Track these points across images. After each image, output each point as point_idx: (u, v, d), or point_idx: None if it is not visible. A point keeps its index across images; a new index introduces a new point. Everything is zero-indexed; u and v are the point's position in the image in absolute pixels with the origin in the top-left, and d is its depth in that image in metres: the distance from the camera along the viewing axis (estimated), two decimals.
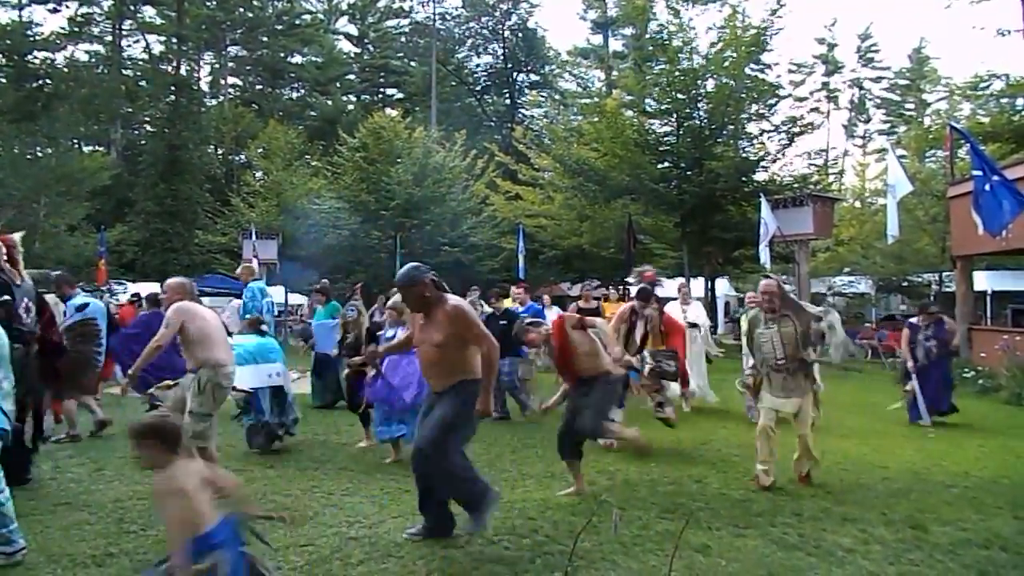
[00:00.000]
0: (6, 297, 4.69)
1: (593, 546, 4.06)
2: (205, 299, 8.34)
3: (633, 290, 7.72)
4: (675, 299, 9.61)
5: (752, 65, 18.41)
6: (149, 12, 38.54)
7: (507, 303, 12.21)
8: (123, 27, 38.65)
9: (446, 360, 4.07)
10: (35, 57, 27.59)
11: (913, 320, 9.20)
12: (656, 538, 4.24)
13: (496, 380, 7.47)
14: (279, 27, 43.60)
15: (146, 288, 22.19)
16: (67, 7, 32.10)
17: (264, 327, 7.32)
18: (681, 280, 15.17)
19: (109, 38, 38.04)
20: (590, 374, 5.13)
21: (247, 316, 8.44)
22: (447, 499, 4.18)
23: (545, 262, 24.25)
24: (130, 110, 37.13)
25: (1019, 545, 4.28)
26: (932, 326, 8.76)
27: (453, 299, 4.09)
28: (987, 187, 7.44)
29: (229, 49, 43.61)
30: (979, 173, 7.61)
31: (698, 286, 20.34)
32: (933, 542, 4.31)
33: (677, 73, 17.63)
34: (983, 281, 19.36)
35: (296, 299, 23.90)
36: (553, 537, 4.23)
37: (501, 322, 8.03)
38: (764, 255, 13.99)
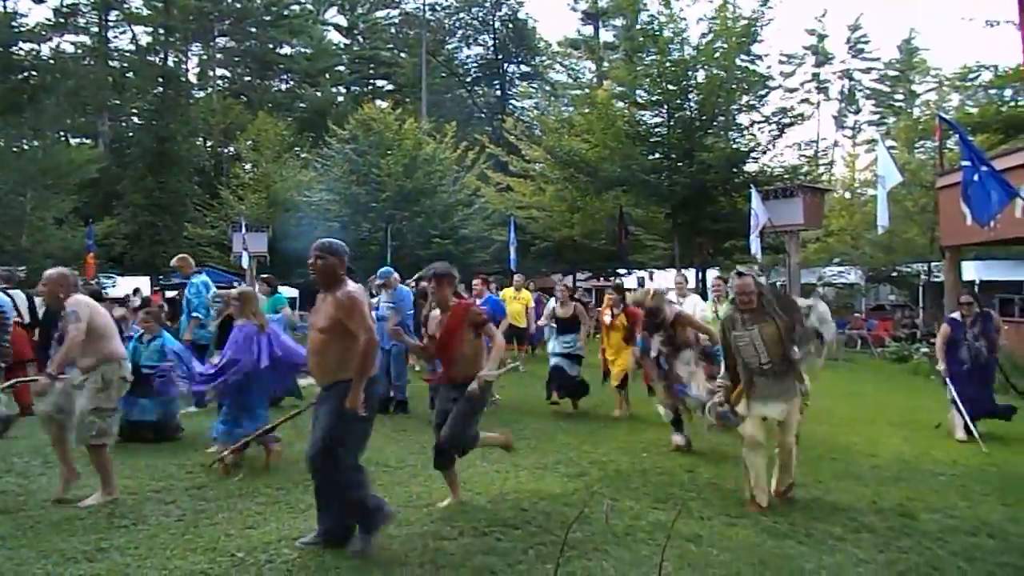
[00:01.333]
0: None
1: (585, 536, 4.07)
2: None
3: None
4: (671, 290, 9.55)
5: (743, 56, 18.39)
6: (136, 3, 38.14)
7: (507, 293, 12.28)
8: (109, 18, 38.27)
9: (330, 351, 3.84)
10: (20, 49, 27.24)
11: (954, 315, 7.57)
12: (648, 528, 4.26)
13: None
14: (268, 18, 43.23)
15: (134, 282, 22.15)
16: None
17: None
18: (675, 271, 15.19)
19: (95, 29, 37.66)
20: (462, 380, 4.51)
21: (194, 315, 8.11)
22: (340, 506, 3.98)
23: (536, 254, 24.26)
24: (117, 102, 36.81)
25: (1006, 532, 4.33)
26: (979, 322, 7.27)
27: (351, 287, 3.89)
28: (976, 178, 7.48)
29: (217, 40, 43.22)
30: (968, 164, 7.65)
31: (689, 277, 20.38)
32: (922, 529, 4.35)
33: (668, 64, 17.61)
34: (971, 271, 19.50)
35: (287, 291, 23.79)
36: (545, 528, 4.25)
37: None
38: (755, 246, 14.05)
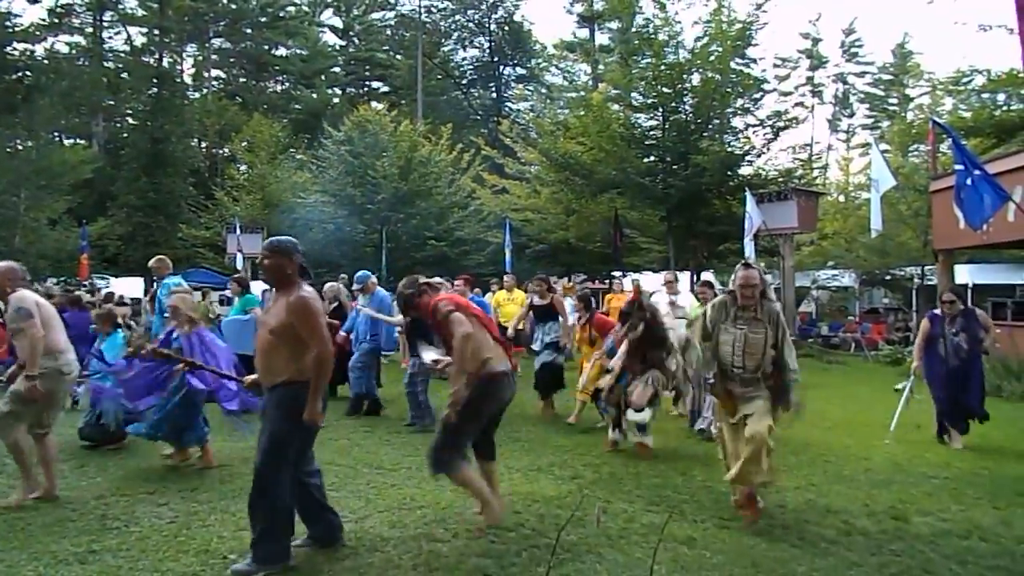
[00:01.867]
0: None
1: (579, 539, 4.08)
2: (196, 295, 8.25)
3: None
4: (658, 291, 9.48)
5: (737, 59, 18.44)
6: (131, 3, 37.98)
7: (499, 296, 11.96)
8: (104, 18, 38.11)
9: (277, 353, 3.71)
10: (14, 49, 27.08)
11: (935, 311, 7.34)
12: (642, 530, 4.27)
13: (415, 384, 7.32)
14: (263, 19, 43.17)
15: (128, 283, 22.06)
16: None
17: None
18: (667, 273, 15.23)
19: (90, 30, 37.52)
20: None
21: (166, 315, 7.77)
22: (326, 503, 3.95)
23: (532, 256, 24.25)
24: (112, 103, 36.67)
25: (998, 535, 4.34)
26: (961, 317, 7.02)
27: (305, 291, 3.76)
28: (969, 181, 7.50)
29: (212, 41, 43.15)
30: (961, 168, 7.67)
31: (683, 279, 20.41)
32: (914, 533, 4.37)
33: (663, 67, 17.64)
34: (964, 274, 19.57)
35: None
36: (539, 530, 4.25)
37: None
38: (749, 249, 14.09)
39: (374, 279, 8.69)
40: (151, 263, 8.70)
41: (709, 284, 7.86)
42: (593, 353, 7.68)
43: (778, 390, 4.47)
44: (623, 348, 6.45)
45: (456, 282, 9.44)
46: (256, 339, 3.99)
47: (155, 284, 8.82)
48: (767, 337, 4.40)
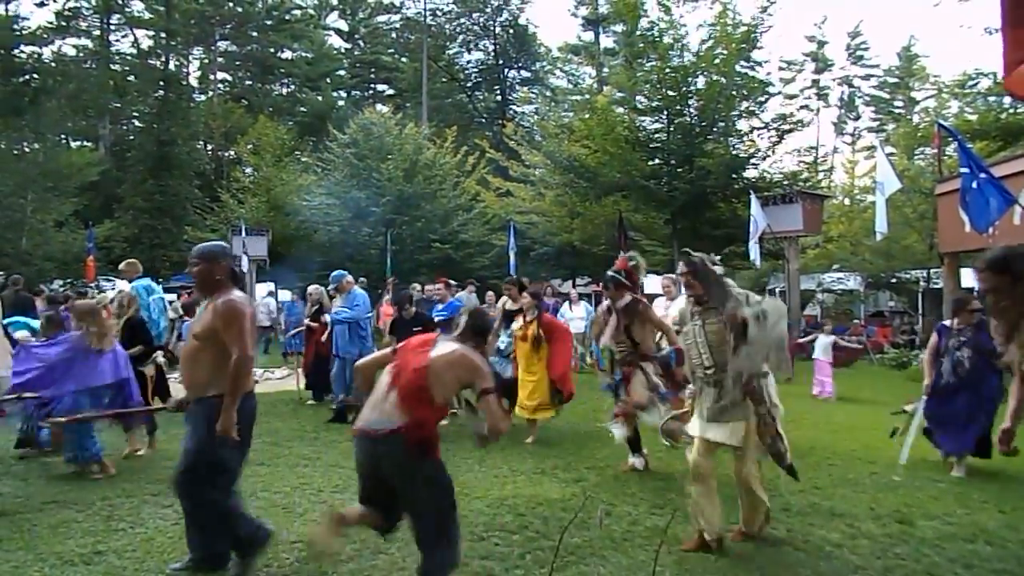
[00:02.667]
0: None
1: (583, 541, 4.08)
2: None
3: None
4: (661, 295, 9.11)
5: (742, 62, 18.42)
6: (138, 7, 38.21)
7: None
8: (111, 21, 38.32)
9: (201, 361, 3.59)
10: (22, 52, 27.28)
11: (945, 322, 6.60)
12: (645, 533, 4.26)
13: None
14: (269, 22, 43.33)
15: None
16: (54, 1, 31.84)
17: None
18: (663, 278, 15.23)
19: (97, 33, 37.68)
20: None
21: None
22: (214, 530, 3.69)
23: (536, 259, 24.25)
24: (118, 105, 36.79)
25: (1003, 539, 4.33)
26: (970, 329, 6.14)
27: (233, 295, 3.63)
28: (974, 185, 7.49)
29: (218, 44, 43.30)
30: (966, 171, 7.65)
31: None
32: (919, 536, 4.35)
33: (668, 70, 17.63)
34: (970, 278, 19.49)
35: (285, 296, 23.82)
36: (543, 533, 4.25)
37: (414, 327, 7.19)
38: (754, 252, 14.07)
39: (349, 278, 8.54)
40: (121, 266, 8.70)
41: (673, 280, 7.10)
42: (537, 360, 6.92)
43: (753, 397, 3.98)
44: (610, 324, 5.78)
45: (436, 285, 9.28)
46: (183, 349, 3.88)
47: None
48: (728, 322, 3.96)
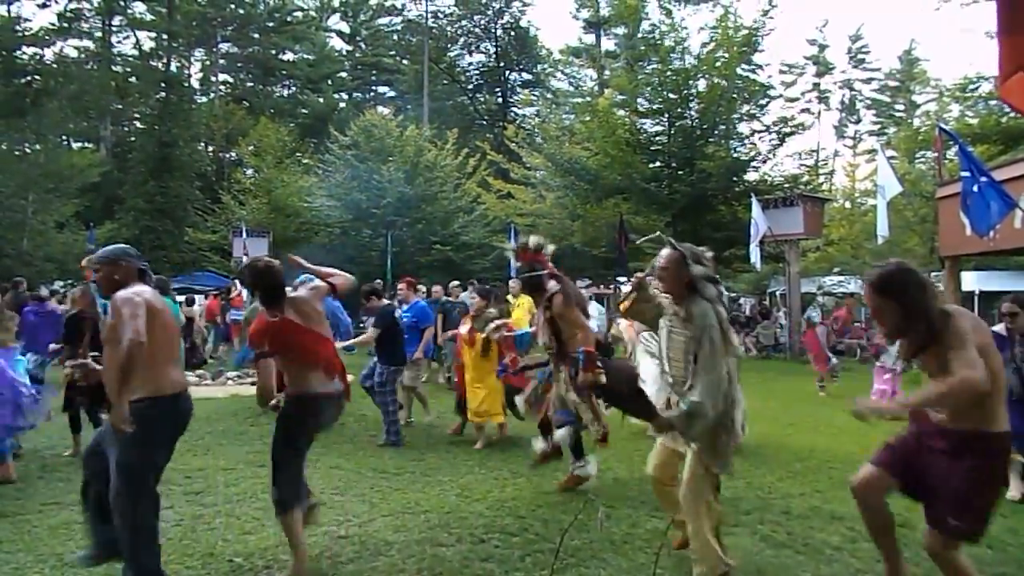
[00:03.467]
0: None
1: (583, 544, 4.07)
2: (197, 296, 8.21)
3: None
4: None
5: (743, 65, 18.47)
6: (139, 8, 38.30)
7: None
8: (113, 23, 38.41)
9: (111, 364, 3.38)
10: (24, 53, 27.36)
11: (996, 329, 5.06)
12: (645, 536, 4.26)
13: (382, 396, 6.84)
14: (271, 24, 43.41)
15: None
16: (56, 2, 31.92)
17: None
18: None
19: (99, 34, 37.77)
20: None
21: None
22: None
23: None
24: (120, 107, 36.89)
25: (1005, 543, 4.32)
26: None
27: (128, 289, 3.40)
28: (975, 188, 7.50)
29: (220, 46, 43.38)
30: (967, 174, 7.67)
31: None
32: (920, 540, 4.34)
33: (669, 73, 17.68)
34: (971, 281, 19.48)
35: None
36: (543, 535, 4.24)
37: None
38: (755, 255, 14.09)
39: (317, 281, 8.44)
40: (83, 262, 8.47)
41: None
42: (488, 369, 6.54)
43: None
44: (538, 322, 5.17)
45: (399, 285, 8.73)
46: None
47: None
48: (689, 342, 3.38)
